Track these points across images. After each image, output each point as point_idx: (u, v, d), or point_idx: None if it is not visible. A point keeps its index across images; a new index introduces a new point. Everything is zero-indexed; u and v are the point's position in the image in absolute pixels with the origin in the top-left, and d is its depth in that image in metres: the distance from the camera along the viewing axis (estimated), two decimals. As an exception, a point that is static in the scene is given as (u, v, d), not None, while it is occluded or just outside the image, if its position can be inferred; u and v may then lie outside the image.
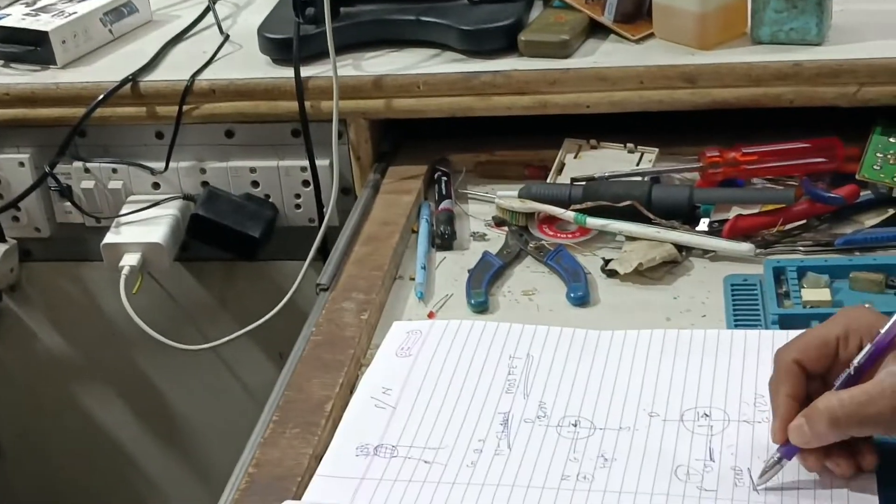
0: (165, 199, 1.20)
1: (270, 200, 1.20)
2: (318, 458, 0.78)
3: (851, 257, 0.95)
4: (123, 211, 1.20)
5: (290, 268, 1.20)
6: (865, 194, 1.02)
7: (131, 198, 1.21)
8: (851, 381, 0.71)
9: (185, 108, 1.15)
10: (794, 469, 0.71)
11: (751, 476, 0.71)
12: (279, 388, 0.86)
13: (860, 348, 0.71)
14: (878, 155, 1.03)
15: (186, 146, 1.19)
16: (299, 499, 0.74)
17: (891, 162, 1.02)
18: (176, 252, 1.21)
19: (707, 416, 0.77)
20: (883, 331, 0.71)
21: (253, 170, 1.20)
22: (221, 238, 1.18)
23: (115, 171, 1.21)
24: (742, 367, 0.81)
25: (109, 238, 1.19)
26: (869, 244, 0.96)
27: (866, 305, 0.86)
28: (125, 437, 1.40)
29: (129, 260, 1.17)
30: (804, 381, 0.72)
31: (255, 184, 1.20)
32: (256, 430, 0.82)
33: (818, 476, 0.71)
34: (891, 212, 1.02)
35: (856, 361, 0.71)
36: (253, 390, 1.32)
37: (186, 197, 1.20)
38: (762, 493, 0.70)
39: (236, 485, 0.76)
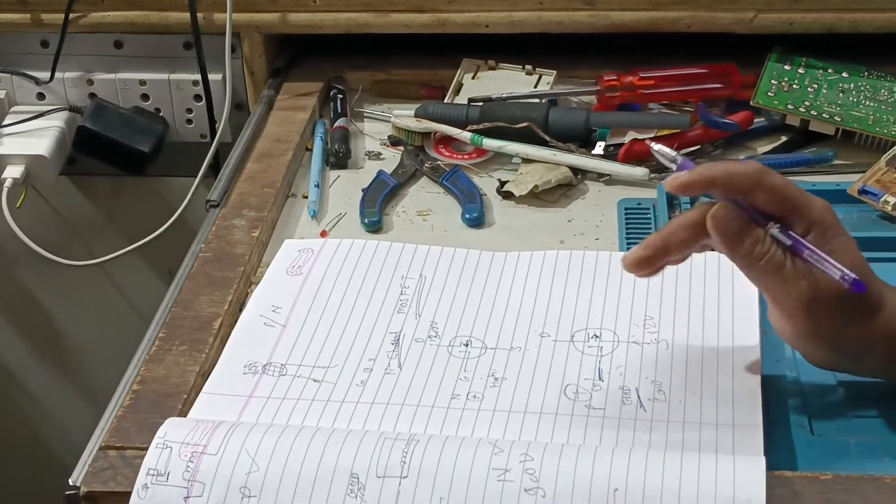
0: (50, 111, 1.16)
1: (161, 115, 1.17)
2: (205, 376, 0.76)
3: (743, 183, 0.96)
4: (6, 122, 1.16)
5: (180, 184, 1.17)
6: (759, 121, 1.03)
7: (14, 108, 1.17)
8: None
9: (71, 15, 1.11)
10: (679, 388, 0.72)
11: (638, 395, 0.72)
12: (166, 304, 0.84)
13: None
14: (773, 82, 1.04)
15: (73, 56, 1.15)
16: (185, 416, 0.73)
17: (785, 89, 1.03)
18: (62, 165, 1.18)
19: (597, 336, 0.78)
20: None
21: (143, 82, 1.16)
22: (109, 152, 1.15)
23: (-3, 79, 1.17)
24: (633, 289, 0.81)
25: (-9, 149, 1.15)
26: (761, 170, 0.97)
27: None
28: (7, 353, 1.37)
29: (12, 172, 1.13)
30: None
31: (145, 97, 1.17)
32: (142, 346, 0.80)
33: (703, 392, 0.72)
34: (783, 139, 1.03)
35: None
36: (141, 308, 1.30)
37: (73, 109, 1.17)
38: (648, 412, 0.71)
39: (120, 401, 0.74)
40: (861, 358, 0.71)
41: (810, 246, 0.69)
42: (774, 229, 0.70)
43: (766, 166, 0.71)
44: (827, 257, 0.68)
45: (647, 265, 0.72)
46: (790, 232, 0.69)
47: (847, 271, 0.68)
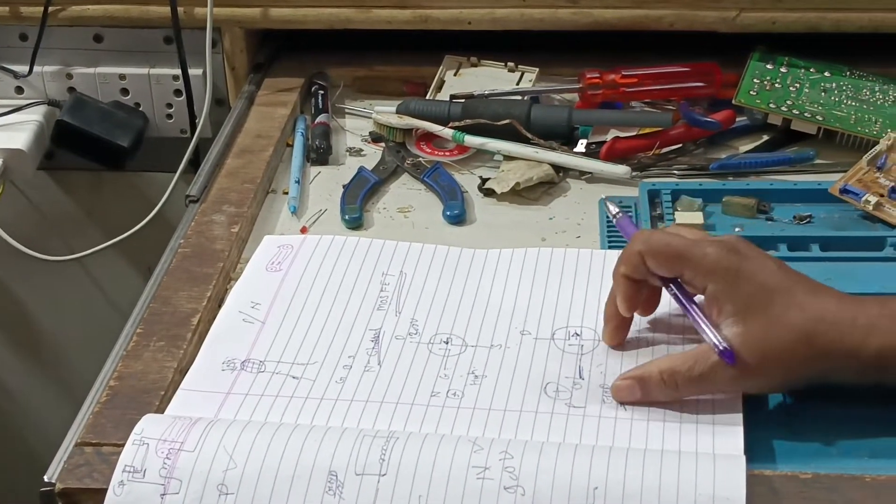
0: (29, 105, 1.15)
1: (141, 109, 1.17)
2: (183, 372, 0.76)
3: (725, 182, 0.96)
4: (-16, 116, 1.15)
5: (160, 179, 1.17)
6: (741, 120, 1.03)
7: (-8, 102, 1.17)
8: None
9: (50, 8, 1.10)
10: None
11: None
12: (144, 300, 0.83)
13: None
14: (755, 81, 1.04)
15: (52, 50, 1.14)
16: (162, 412, 0.72)
17: (767, 88, 1.03)
18: (40, 160, 1.17)
19: (578, 335, 0.77)
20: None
21: (122, 77, 1.16)
22: (88, 147, 1.14)
23: (-25, 73, 1.16)
24: (614, 287, 0.81)
25: (-32, 143, 1.14)
26: (742, 169, 0.97)
27: (736, 229, 0.88)
28: (-16, 349, 1.36)
29: (-10, 167, 1.13)
30: (644, 270, 0.73)
31: (125, 91, 1.16)
32: (119, 342, 0.79)
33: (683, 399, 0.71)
34: (765, 138, 1.03)
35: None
36: (119, 304, 1.29)
37: (51, 103, 1.16)
38: (628, 410, 0.70)
39: (96, 398, 0.74)
40: (827, 378, 0.71)
41: (692, 312, 0.71)
42: (669, 293, 0.73)
43: (647, 231, 0.75)
44: (702, 322, 0.70)
45: (622, 332, 0.76)
46: (678, 294, 0.72)
47: (718, 340, 0.69)
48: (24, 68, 1.14)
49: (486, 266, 0.85)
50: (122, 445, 0.66)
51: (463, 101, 1.04)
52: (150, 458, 0.65)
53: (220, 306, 0.82)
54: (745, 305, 0.69)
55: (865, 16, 1.05)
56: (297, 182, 0.98)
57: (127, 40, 1.14)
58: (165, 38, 1.13)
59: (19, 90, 1.17)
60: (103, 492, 0.65)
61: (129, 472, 0.65)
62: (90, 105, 1.15)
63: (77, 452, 0.69)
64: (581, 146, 1.01)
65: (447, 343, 0.78)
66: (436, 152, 1.02)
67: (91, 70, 1.16)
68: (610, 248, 0.88)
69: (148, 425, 0.67)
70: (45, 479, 0.68)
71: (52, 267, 1.20)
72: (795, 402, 0.72)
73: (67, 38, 1.14)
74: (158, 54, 1.14)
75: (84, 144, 1.14)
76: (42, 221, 1.26)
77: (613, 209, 0.83)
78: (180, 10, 1.09)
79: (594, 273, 0.83)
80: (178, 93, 1.15)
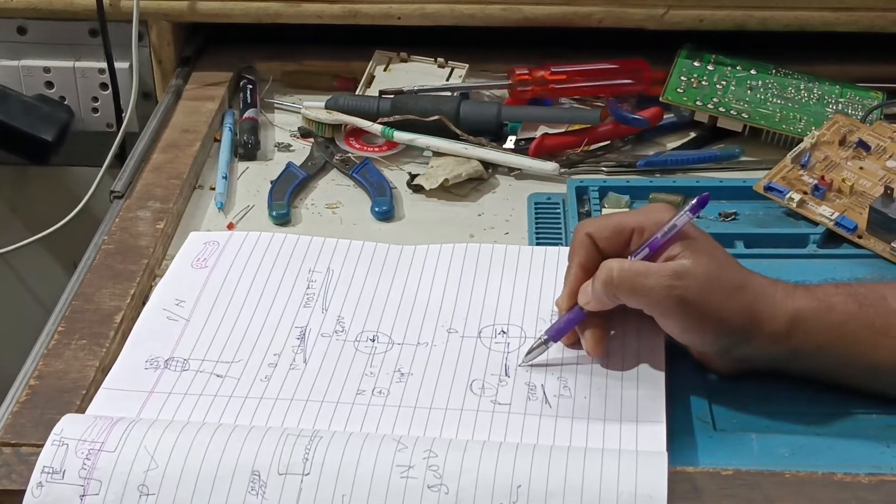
0: (-50, 98, 1.13)
1: (66, 103, 1.15)
2: (106, 371, 0.75)
3: (652, 178, 0.97)
4: None
5: (85, 174, 1.15)
6: (668, 117, 1.04)
7: (-88, 95, 1.14)
8: None
9: (-28, 0, 1.09)
10: (585, 384, 0.72)
11: (544, 391, 0.72)
12: (66, 297, 0.82)
13: None
14: (683, 79, 1.04)
15: (-26, 42, 1.12)
16: (83, 412, 0.71)
17: (694, 86, 1.04)
18: (-38, 154, 1.15)
19: (504, 332, 0.78)
20: (659, 234, 0.72)
21: (47, 70, 1.14)
22: (12, 140, 1.12)
23: None
24: (540, 283, 0.81)
25: None
26: (669, 166, 0.98)
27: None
28: None
29: None
30: (596, 255, 0.74)
31: (50, 84, 1.14)
32: (40, 340, 0.78)
33: (608, 389, 0.72)
34: (692, 135, 1.04)
35: (631, 256, 0.73)
36: (45, 300, 1.27)
37: (-26, 96, 1.14)
38: (553, 407, 0.71)
39: (16, 397, 0.73)
40: (746, 340, 0.71)
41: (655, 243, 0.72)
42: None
43: (582, 223, 0.76)
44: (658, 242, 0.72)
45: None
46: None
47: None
48: (-55, 60, 1.12)
49: (414, 263, 0.85)
50: (42, 446, 0.66)
51: (392, 96, 1.04)
52: (69, 459, 0.65)
53: (144, 304, 0.81)
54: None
55: (791, 14, 1.06)
56: (225, 178, 0.97)
57: (51, 33, 1.12)
58: (91, 30, 1.12)
59: (-60, 83, 1.15)
60: (22, 493, 0.64)
61: (48, 472, 0.64)
62: (13, 98, 1.12)
63: (-5, 453, 0.68)
64: (510, 142, 1.01)
65: (373, 341, 0.77)
66: (365, 148, 1.02)
67: (15, 63, 1.14)
68: (538, 244, 0.88)
69: (68, 425, 0.66)
70: (-37, 480, 0.67)
71: (-25, 263, 1.18)
72: (718, 398, 0.73)
73: (-10, 31, 1.12)
74: (84, 47, 1.13)
75: (7, 138, 1.12)
76: (-36, 216, 1.24)
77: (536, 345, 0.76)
78: (106, 2, 1.08)
79: (521, 269, 0.83)
80: (104, 86, 1.14)
